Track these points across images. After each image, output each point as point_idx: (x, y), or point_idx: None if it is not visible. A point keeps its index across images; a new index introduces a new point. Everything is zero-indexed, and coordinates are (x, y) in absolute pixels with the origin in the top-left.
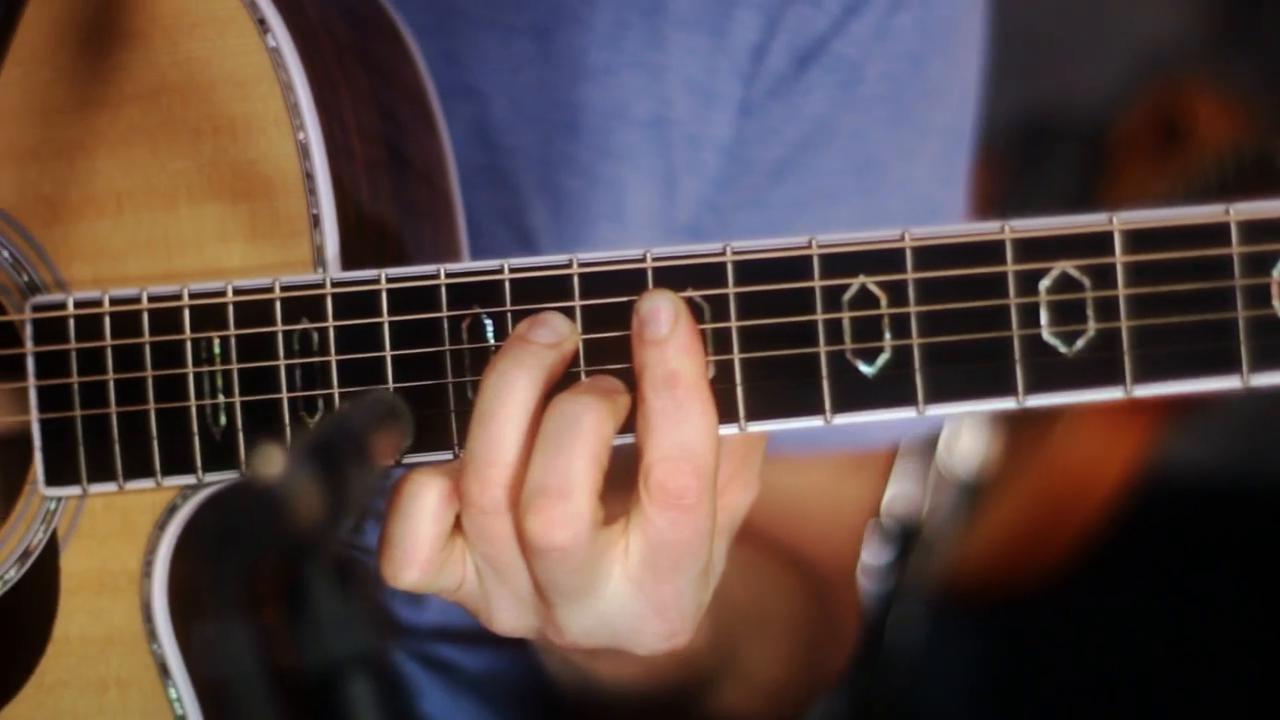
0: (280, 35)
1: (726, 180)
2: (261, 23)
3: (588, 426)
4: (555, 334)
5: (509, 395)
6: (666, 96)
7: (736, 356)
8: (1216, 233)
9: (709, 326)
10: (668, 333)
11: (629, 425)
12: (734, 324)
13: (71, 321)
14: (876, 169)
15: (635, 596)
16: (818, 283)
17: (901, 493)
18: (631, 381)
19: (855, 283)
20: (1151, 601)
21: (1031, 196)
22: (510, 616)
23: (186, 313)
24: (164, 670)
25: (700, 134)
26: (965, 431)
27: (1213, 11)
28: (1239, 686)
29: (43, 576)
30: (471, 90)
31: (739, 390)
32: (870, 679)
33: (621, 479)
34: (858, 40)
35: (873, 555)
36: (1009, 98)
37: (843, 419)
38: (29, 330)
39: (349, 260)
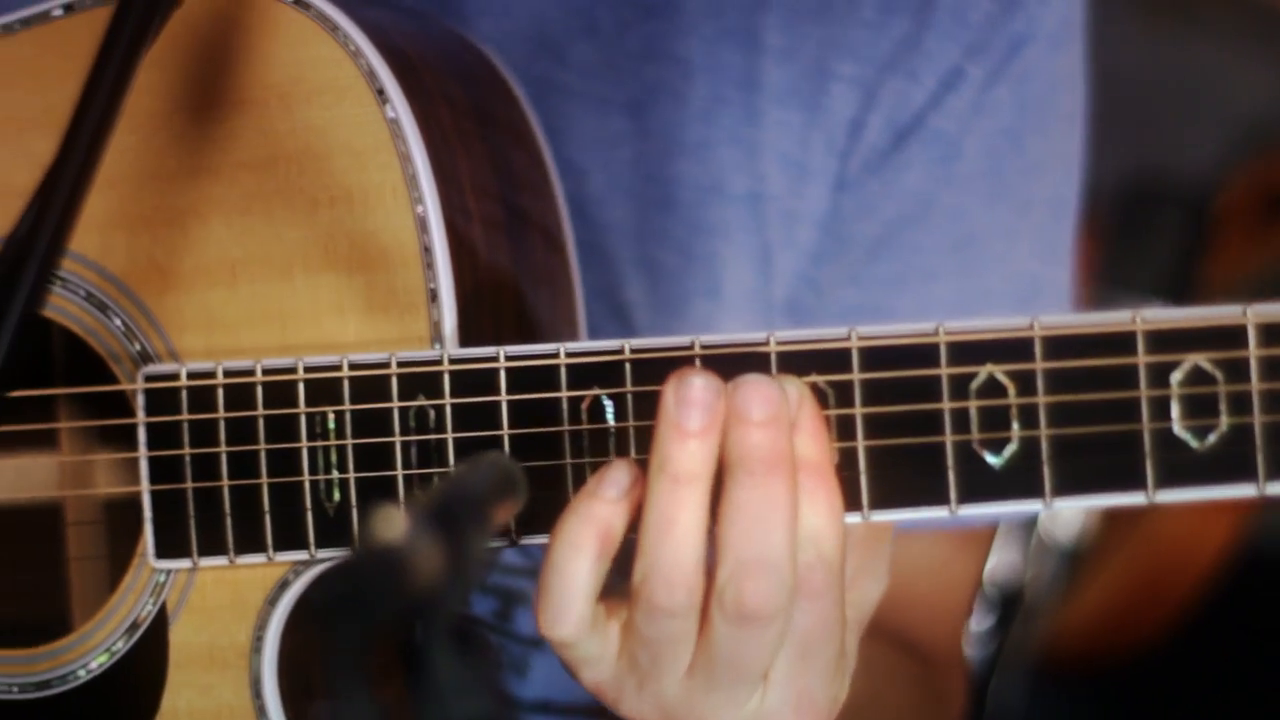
0: (399, 105)
1: (823, 255)
2: (380, 93)
3: (784, 499)
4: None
5: (688, 499)
6: (761, 172)
7: (861, 444)
8: None
9: (833, 412)
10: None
11: None
12: (859, 410)
13: (184, 392)
14: (976, 246)
15: (781, 694)
16: (945, 370)
17: (1004, 560)
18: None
19: (983, 371)
20: (1251, 671)
21: (1133, 266)
22: (651, 708)
23: (301, 386)
24: None
25: (795, 209)
26: None
27: None
28: None
29: (151, 649)
30: (568, 164)
31: (863, 479)
32: None
33: None
34: (955, 115)
35: (975, 622)
36: (1112, 167)
37: (968, 510)
38: (141, 400)
39: (466, 332)
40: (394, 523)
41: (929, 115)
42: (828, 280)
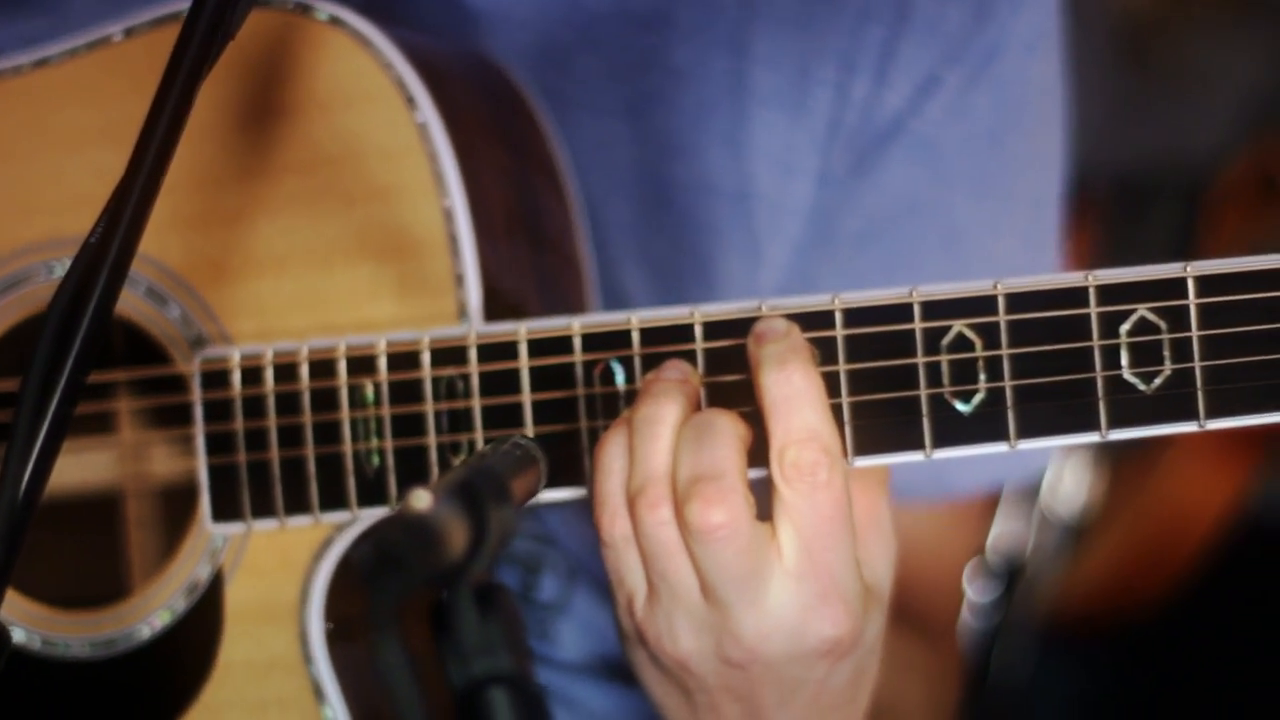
0: (427, 111)
1: (811, 246)
2: (410, 100)
3: (724, 423)
4: (681, 372)
5: (660, 420)
6: (749, 170)
7: (845, 400)
8: None
9: (820, 370)
10: (784, 331)
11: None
12: (842, 367)
13: (237, 372)
14: (962, 240)
15: (798, 588)
16: (918, 325)
17: (1007, 531)
18: (751, 423)
19: (953, 326)
20: (1255, 635)
21: (1132, 251)
22: (689, 635)
23: (343, 363)
24: (319, 692)
25: (782, 205)
26: (1068, 472)
27: None
28: None
29: (209, 607)
30: (571, 165)
31: (847, 429)
32: (977, 712)
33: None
34: (934, 119)
35: (979, 592)
36: (1110, 156)
37: (942, 454)
38: (197, 379)
39: (490, 313)
40: (422, 498)
41: (908, 119)
42: (817, 270)
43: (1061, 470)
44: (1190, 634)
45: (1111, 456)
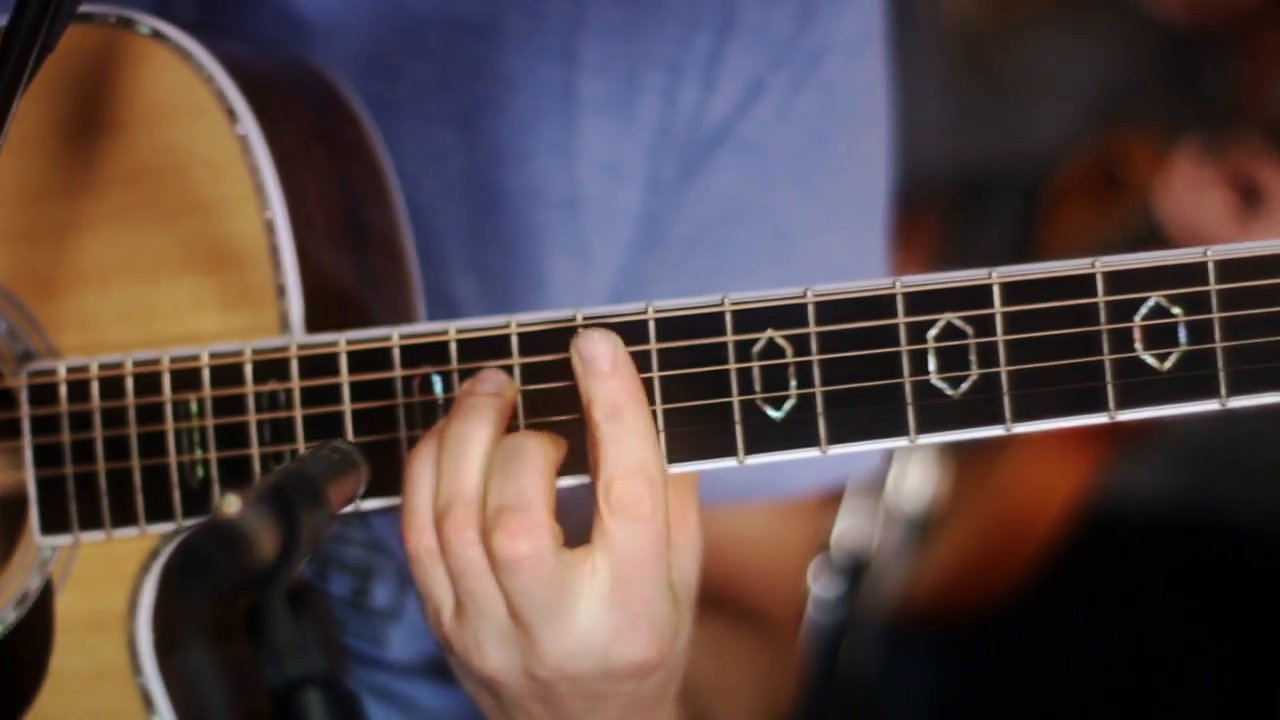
0: (248, 123)
1: (641, 250)
2: (230, 112)
3: (533, 450)
4: (496, 385)
5: (470, 439)
6: (579, 176)
7: (660, 407)
8: (1085, 283)
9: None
10: (610, 368)
11: (568, 469)
12: (656, 375)
13: (63, 386)
14: (788, 241)
15: (609, 611)
16: (730, 338)
17: (852, 527)
18: (567, 431)
19: (765, 333)
20: (1100, 626)
21: (972, 248)
22: (497, 652)
23: (167, 376)
24: (148, 701)
25: (612, 210)
26: (913, 467)
27: (1152, 60)
28: (1186, 712)
29: (39, 617)
30: (402, 174)
31: (661, 436)
32: (826, 707)
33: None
34: (760, 123)
35: (824, 588)
36: (949, 154)
37: (755, 459)
38: (24, 394)
39: (313, 326)
40: (231, 503)
41: (735, 123)
42: (647, 274)
43: (906, 465)
44: (1036, 625)
45: (956, 451)
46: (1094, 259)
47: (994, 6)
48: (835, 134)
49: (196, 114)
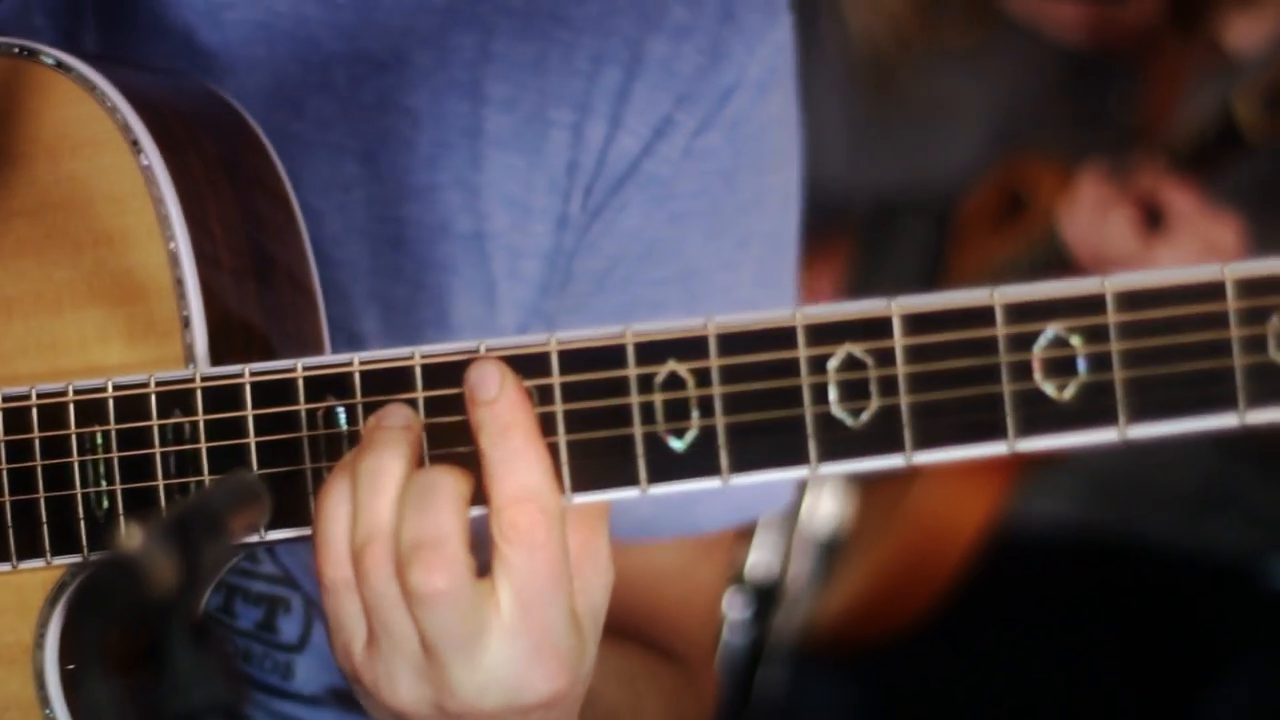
0: (151, 154)
1: (549, 287)
2: (135, 144)
3: (446, 484)
4: (404, 418)
5: (384, 472)
6: (485, 212)
7: (563, 439)
8: (984, 314)
9: (538, 410)
10: (497, 393)
11: (477, 500)
12: (559, 407)
13: None
14: (699, 278)
15: (513, 643)
16: (632, 371)
17: (766, 554)
18: (474, 463)
19: (665, 369)
20: (1013, 647)
21: (884, 274)
22: (409, 685)
23: (72, 408)
24: None
25: (519, 245)
26: (826, 494)
27: (1056, 84)
28: None
29: None
30: (305, 208)
31: (565, 468)
32: None
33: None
34: (667, 160)
35: (739, 613)
36: (860, 182)
37: (657, 490)
38: None
39: (219, 358)
40: (132, 535)
41: (643, 161)
42: (555, 310)
43: (819, 492)
44: (949, 645)
45: (868, 479)
46: (993, 289)
47: (899, 35)
48: (744, 170)
49: (101, 146)
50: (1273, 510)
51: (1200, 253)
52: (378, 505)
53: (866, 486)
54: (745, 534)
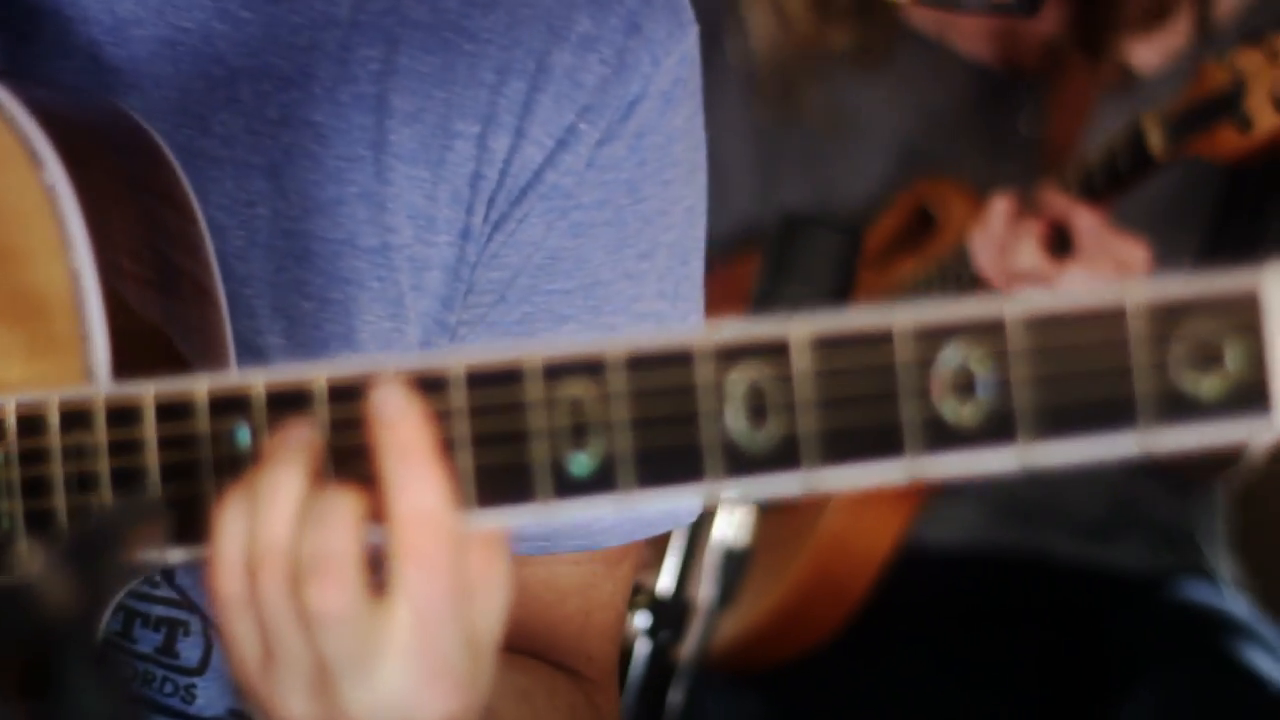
0: (55, 171)
1: (452, 299)
2: (37, 160)
3: (345, 504)
4: (305, 437)
5: (282, 488)
6: (391, 225)
7: (464, 460)
8: (884, 335)
9: (442, 433)
10: (398, 415)
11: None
12: (461, 429)
13: None
14: (602, 289)
15: (408, 664)
16: (535, 392)
17: (675, 573)
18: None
19: (568, 390)
20: (922, 660)
21: (794, 290)
22: (300, 703)
23: None
24: None
25: (424, 257)
26: (737, 514)
27: (966, 101)
28: None
29: None
30: (210, 223)
31: (466, 490)
32: None
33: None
34: (570, 170)
35: (647, 629)
36: (772, 198)
37: (560, 509)
38: None
39: (122, 373)
40: (28, 559)
41: (546, 171)
42: (459, 322)
43: (730, 512)
44: (857, 659)
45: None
46: (893, 310)
47: (802, 49)
48: (649, 182)
49: (3, 163)
50: (1179, 529)
51: (1109, 273)
52: (274, 522)
53: (778, 507)
54: (657, 553)
